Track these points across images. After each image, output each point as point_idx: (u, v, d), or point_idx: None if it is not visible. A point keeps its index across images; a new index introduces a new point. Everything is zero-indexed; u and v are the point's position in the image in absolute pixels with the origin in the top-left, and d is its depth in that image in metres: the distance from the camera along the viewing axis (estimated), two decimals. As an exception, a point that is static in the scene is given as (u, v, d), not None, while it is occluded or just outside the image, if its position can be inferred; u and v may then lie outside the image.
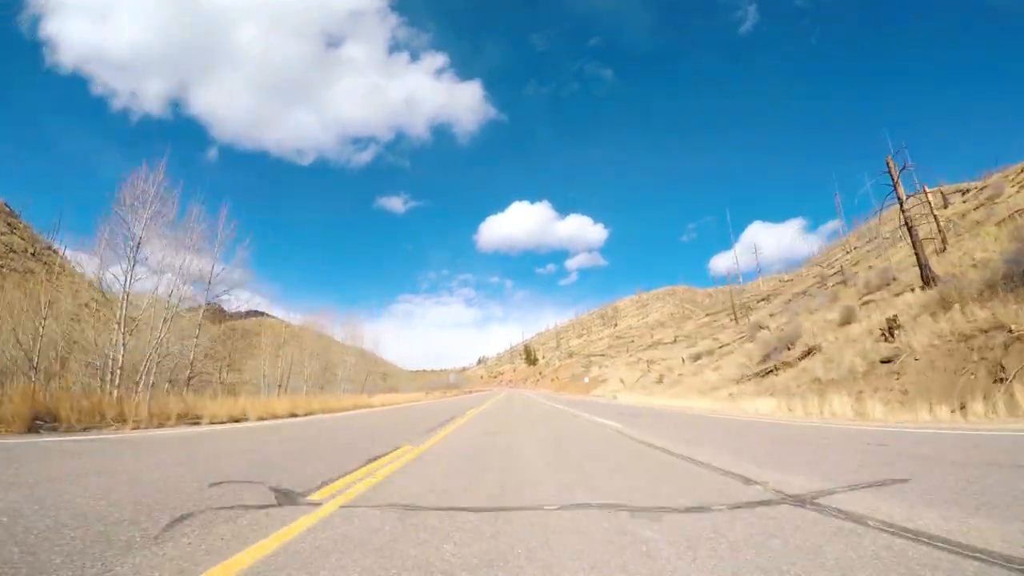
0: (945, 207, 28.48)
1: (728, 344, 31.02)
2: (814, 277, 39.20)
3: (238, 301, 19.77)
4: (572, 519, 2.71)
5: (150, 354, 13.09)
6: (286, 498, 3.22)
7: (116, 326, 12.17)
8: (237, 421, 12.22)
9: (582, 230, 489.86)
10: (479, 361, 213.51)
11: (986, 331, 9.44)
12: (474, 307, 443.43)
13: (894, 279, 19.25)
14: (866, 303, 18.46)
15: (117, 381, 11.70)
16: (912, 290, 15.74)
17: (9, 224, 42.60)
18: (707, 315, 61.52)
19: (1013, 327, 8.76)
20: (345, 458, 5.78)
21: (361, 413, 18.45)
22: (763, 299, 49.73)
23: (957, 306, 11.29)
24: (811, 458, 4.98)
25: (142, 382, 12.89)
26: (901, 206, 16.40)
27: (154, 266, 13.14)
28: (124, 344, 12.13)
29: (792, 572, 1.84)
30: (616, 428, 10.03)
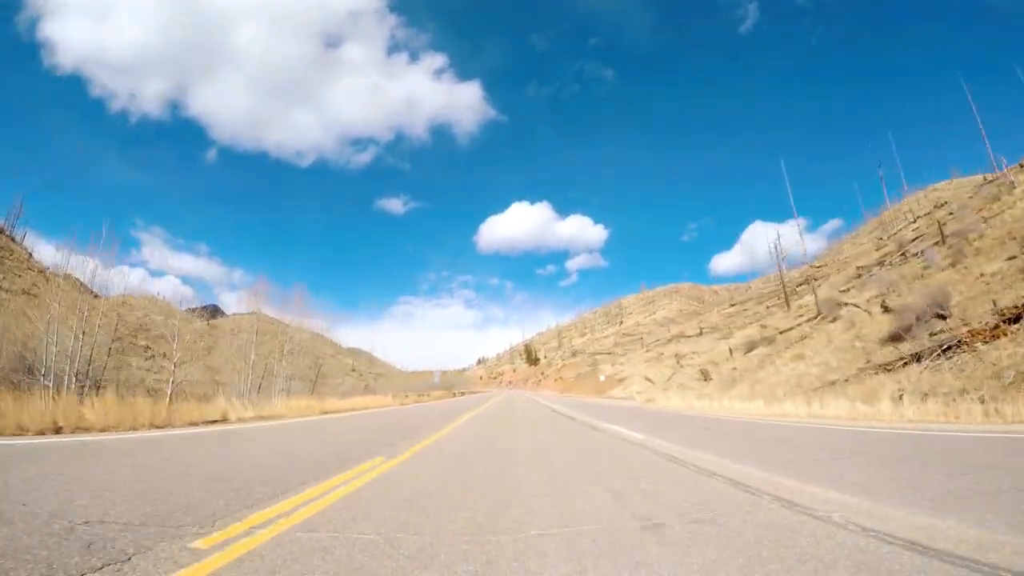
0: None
1: (791, 328, 24.44)
2: (878, 251, 32.63)
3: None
4: None
5: None
6: None
7: None
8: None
9: (582, 231, 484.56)
10: (479, 362, 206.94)
11: None
12: (474, 308, 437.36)
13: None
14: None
15: None
16: None
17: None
18: (732, 305, 55.06)
19: None
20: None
21: (224, 432, 11.10)
22: (802, 283, 43.31)
23: None
24: None
25: None
26: None
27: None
28: None
29: None
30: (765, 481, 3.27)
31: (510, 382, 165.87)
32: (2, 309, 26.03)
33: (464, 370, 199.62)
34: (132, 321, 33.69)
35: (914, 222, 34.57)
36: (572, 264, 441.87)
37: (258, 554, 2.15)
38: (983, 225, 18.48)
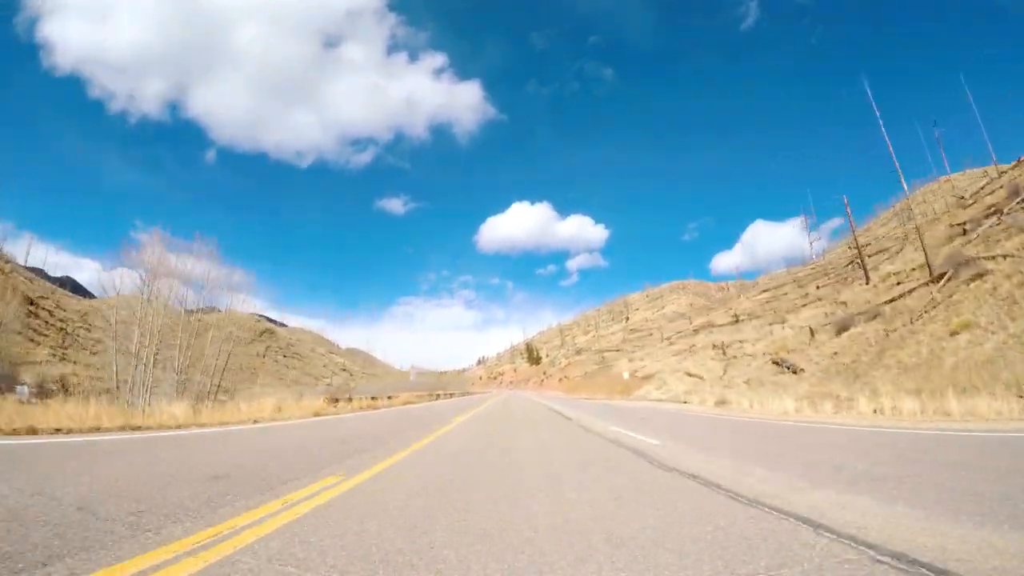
0: None
1: (897, 299, 17.82)
2: (968, 207, 26.08)
3: None
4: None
5: None
6: None
7: None
8: None
9: (583, 230, 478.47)
10: (478, 362, 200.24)
11: None
12: (474, 309, 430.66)
13: None
14: None
15: None
16: None
17: None
18: (764, 291, 48.56)
19: None
20: None
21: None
22: (848, 263, 36.94)
23: None
24: None
25: None
26: None
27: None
28: None
29: None
30: None
31: (511, 382, 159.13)
32: None
33: (464, 370, 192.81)
34: None
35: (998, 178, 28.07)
36: (573, 264, 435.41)
37: None
38: None
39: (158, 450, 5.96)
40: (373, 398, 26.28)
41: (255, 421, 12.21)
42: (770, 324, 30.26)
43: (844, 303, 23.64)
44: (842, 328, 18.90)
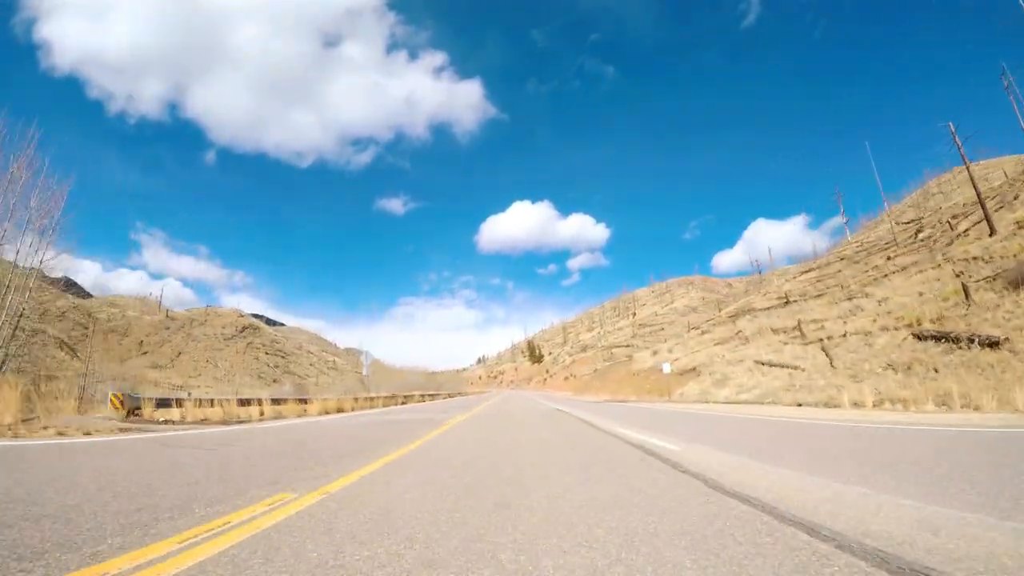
0: None
1: None
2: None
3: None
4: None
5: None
6: None
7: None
8: None
9: (584, 230, 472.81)
10: (478, 361, 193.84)
11: None
12: (475, 309, 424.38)
13: None
14: None
15: None
16: None
17: None
18: (807, 271, 42.28)
19: None
20: None
21: None
22: (888, 245, 30.81)
23: None
24: None
25: None
26: None
27: None
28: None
29: None
30: None
31: (511, 381, 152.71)
32: None
33: (462, 370, 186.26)
34: None
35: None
36: (574, 263, 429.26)
37: None
38: None
39: None
40: (311, 400, 20.02)
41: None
42: (849, 300, 23.98)
43: (974, 259, 17.34)
44: (1020, 280, 12.69)
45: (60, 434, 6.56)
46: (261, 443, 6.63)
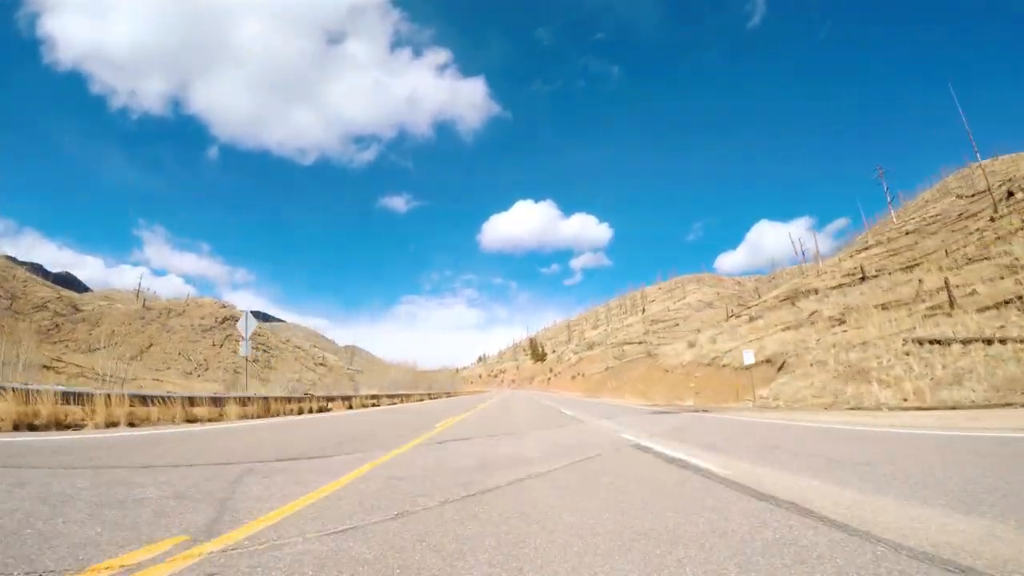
0: None
1: None
2: None
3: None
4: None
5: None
6: None
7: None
8: None
9: (586, 229, 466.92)
10: (479, 359, 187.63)
11: None
12: (477, 308, 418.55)
13: None
14: None
15: None
16: None
17: None
18: (863, 249, 36.14)
19: None
20: None
21: None
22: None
23: None
24: None
25: None
26: None
27: None
28: None
29: None
30: None
31: (512, 381, 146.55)
32: None
33: (461, 369, 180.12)
34: None
35: None
36: (576, 263, 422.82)
37: None
38: None
39: None
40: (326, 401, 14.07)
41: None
42: (983, 260, 17.90)
43: None
44: None
45: None
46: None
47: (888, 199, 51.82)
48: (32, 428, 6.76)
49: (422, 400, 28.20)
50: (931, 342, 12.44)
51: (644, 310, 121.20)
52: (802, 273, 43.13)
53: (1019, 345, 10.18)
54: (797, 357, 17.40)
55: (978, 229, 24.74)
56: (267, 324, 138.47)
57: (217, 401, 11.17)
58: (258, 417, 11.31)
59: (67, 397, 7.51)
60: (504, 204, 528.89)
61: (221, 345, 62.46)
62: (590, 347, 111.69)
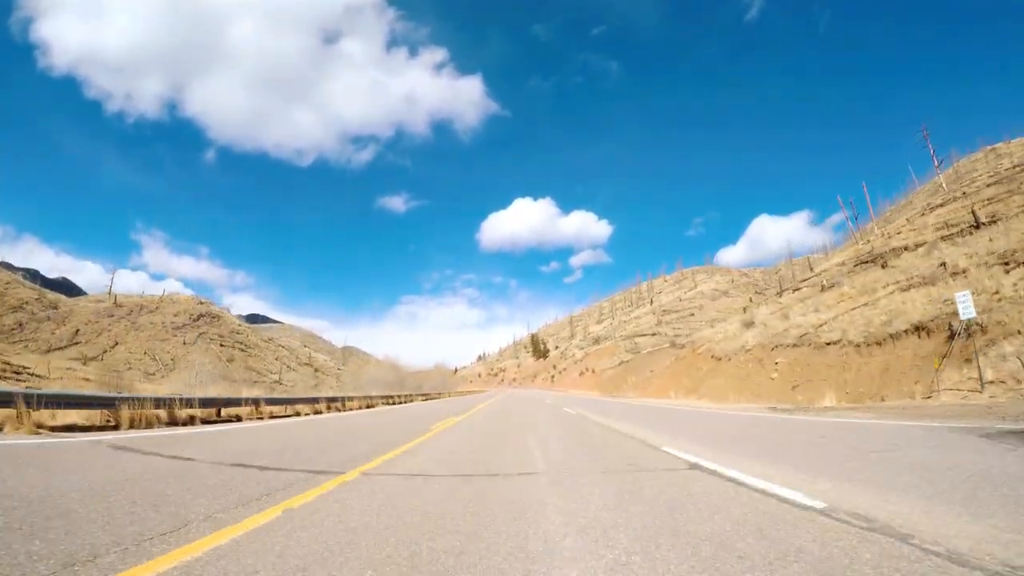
0: None
1: None
2: None
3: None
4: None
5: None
6: None
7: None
8: None
9: (586, 227, 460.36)
10: (479, 358, 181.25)
11: None
12: (478, 307, 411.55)
13: None
14: None
15: None
16: None
17: None
18: (942, 200, 30.03)
19: None
20: None
21: None
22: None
23: None
24: None
25: None
26: None
27: None
28: None
29: None
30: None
31: (513, 379, 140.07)
32: None
33: (461, 368, 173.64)
34: None
35: None
36: (576, 261, 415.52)
37: None
38: None
39: None
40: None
41: None
42: None
43: None
44: None
45: None
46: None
47: (935, 162, 45.98)
48: None
49: (402, 403, 21.90)
50: None
51: (652, 301, 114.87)
52: (856, 241, 36.88)
53: None
54: (994, 315, 11.21)
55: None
56: (262, 325, 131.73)
57: None
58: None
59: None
60: (503, 202, 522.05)
61: (193, 344, 55.96)
62: (596, 341, 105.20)
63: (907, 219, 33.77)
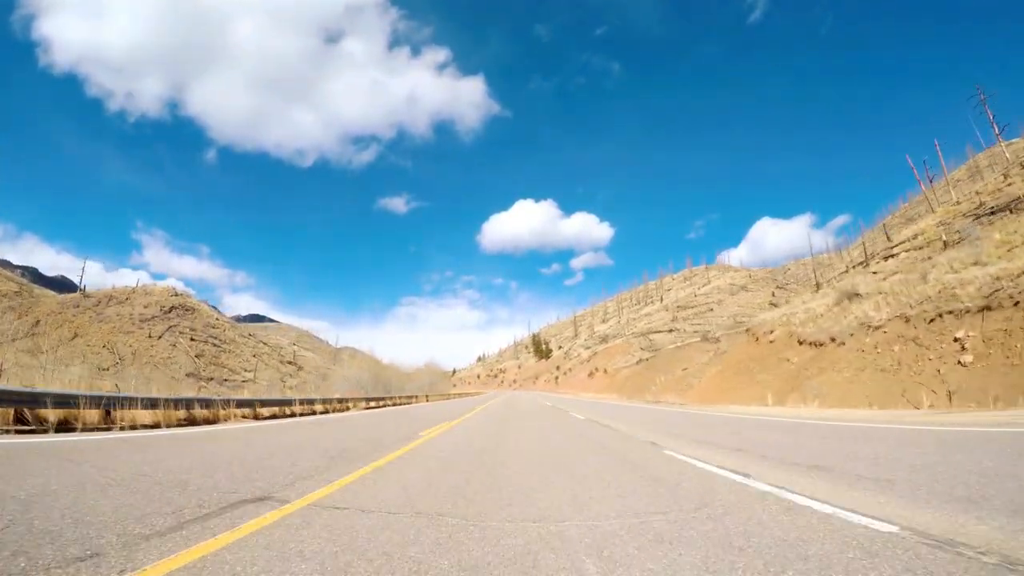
0: None
1: None
2: None
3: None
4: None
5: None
6: None
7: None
8: None
9: (587, 229, 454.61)
10: (478, 359, 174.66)
11: None
12: (478, 309, 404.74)
13: None
14: None
15: None
16: None
17: None
18: (998, 190, 24.24)
19: None
20: None
21: None
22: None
23: None
24: None
25: None
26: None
27: None
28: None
29: None
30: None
31: (514, 380, 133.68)
32: None
33: (460, 370, 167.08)
34: None
35: None
36: (577, 263, 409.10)
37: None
38: None
39: None
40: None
41: None
42: None
43: None
44: None
45: None
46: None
47: (996, 130, 40.34)
48: None
49: (390, 405, 15.66)
50: None
51: (662, 299, 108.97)
52: (873, 241, 31.08)
53: None
54: None
55: None
56: (257, 324, 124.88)
57: None
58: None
59: None
60: (504, 204, 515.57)
61: (160, 337, 49.51)
62: (604, 340, 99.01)
63: (1003, 174, 27.77)
